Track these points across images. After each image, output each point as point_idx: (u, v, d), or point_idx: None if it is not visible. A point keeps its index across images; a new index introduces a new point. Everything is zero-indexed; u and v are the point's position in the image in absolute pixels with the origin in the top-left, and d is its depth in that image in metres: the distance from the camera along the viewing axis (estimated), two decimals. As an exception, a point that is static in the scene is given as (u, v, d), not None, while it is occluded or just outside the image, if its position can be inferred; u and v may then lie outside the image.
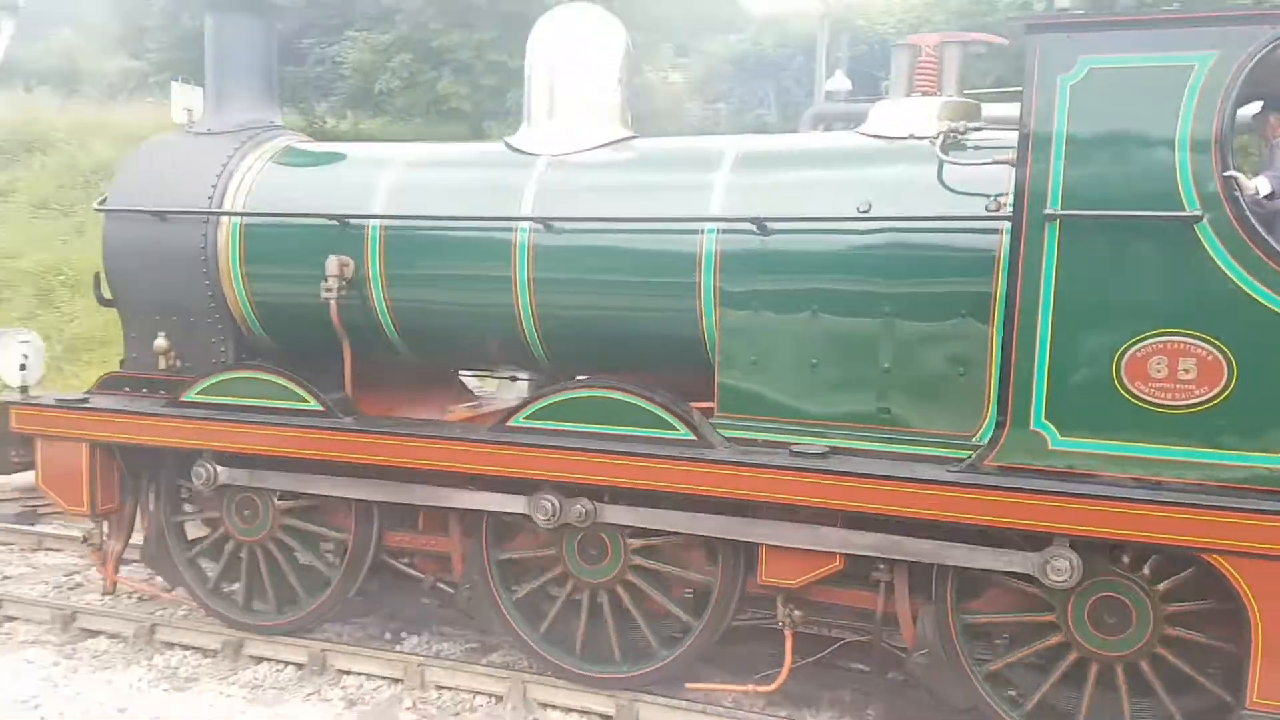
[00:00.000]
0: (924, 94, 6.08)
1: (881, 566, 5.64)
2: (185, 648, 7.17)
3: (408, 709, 6.29)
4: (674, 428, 5.82)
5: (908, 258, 5.54)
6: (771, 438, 5.75)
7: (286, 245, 6.79)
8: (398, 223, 6.50)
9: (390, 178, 6.69)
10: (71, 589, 8.30)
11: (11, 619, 7.73)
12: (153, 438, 6.80)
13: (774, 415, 5.79)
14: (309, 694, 6.51)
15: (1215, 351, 4.84)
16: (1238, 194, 4.81)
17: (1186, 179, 4.84)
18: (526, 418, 6.07)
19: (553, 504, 5.97)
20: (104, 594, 7.66)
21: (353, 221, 6.53)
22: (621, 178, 6.40)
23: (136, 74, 30.33)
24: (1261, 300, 4.78)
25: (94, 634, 7.45)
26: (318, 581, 6.92)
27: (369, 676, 6.63)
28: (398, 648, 7.04)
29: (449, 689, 6.45)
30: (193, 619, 7.40)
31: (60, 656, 7.18)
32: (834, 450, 5.59)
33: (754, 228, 5.73)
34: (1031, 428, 5.12)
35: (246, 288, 6.90)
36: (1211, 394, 4.86)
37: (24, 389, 7.00)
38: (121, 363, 7.35)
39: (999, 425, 5.18)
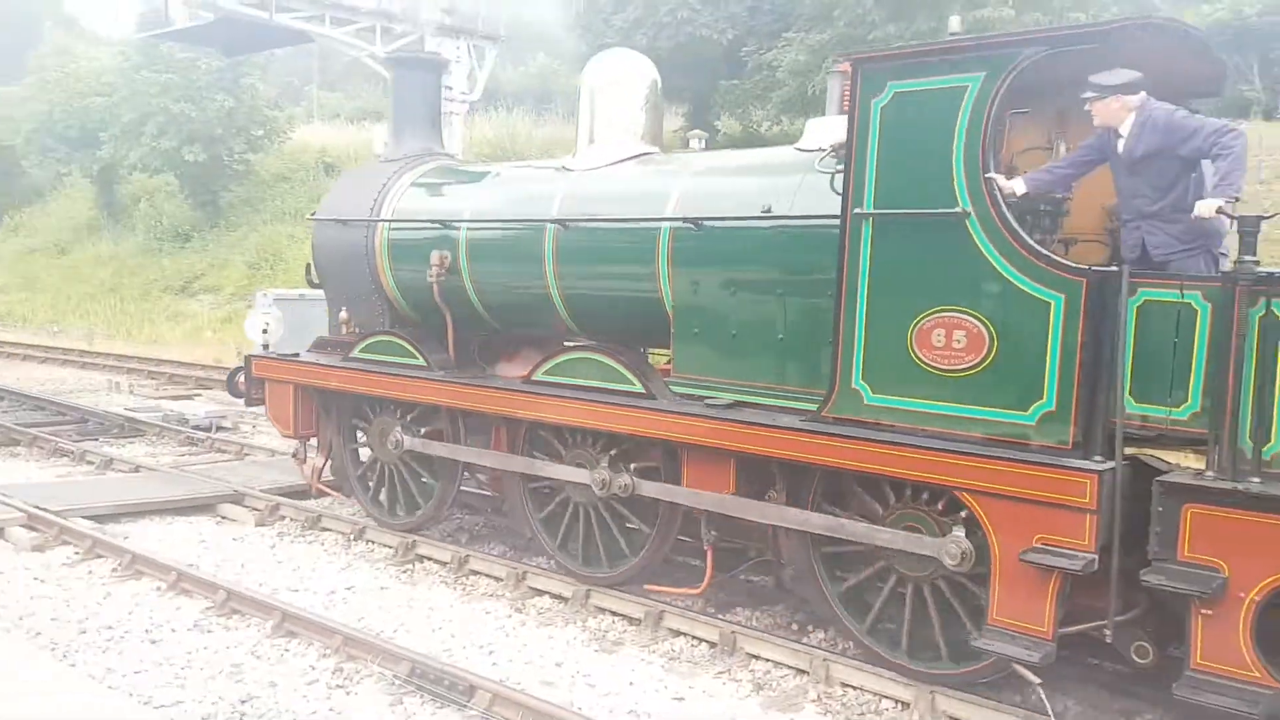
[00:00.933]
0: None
1: (770, 496, 6.97)
2: (614, 614, 7.78)
3: (812, 701, 6.42)
4: (632, 382, 7.51)
5: (792, 248, 6.85)
6: (705, 393, 7.26)
7: (413, 243, 9.19)
8: (474, 225, 8.68)
9: (479, 191, 8.89)
10: (523, 551, 9.27)
11: (475, 573, 8.76)
12: (324, 382, 9.58)
13: (709, 375, 7.30)
14: (719, 672, 6.83)
15: (980, 325, 5.85)
16: (997, 193, 5.78)
17: (960, 181, 5.87)
18: (543, 373, 8.03)
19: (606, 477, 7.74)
20: (312, 496, 10.41)
21: (450, 225, 8.80)
22: (622, 186, 8.11)
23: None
24: (1015, 282, 5.74)
25: (540, 593, 8.29)
26: (428, 494, 9.28)
27: (776, 664, 6.84)
28: (804, 640, 7.21)
29: (854, 688, 6.51)
30: (620, 591, 8.00)
31: (512, 610, 8.02)
32: (739, 403, 7.03)
33: (693, 226, 7.26)
34: (852, 386, 6.32)
35: (393, 275, 9.42)
36: (977, 360, 5.87)
37: (265, 347, 9.86)
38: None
39: (831, 384, 6.42)
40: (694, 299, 7.34)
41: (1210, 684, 5.24)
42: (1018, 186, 6.00)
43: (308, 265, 10.20)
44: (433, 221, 9.00)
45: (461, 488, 9.24)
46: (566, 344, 9.16)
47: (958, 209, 5.85)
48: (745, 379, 7.11)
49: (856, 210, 6.22)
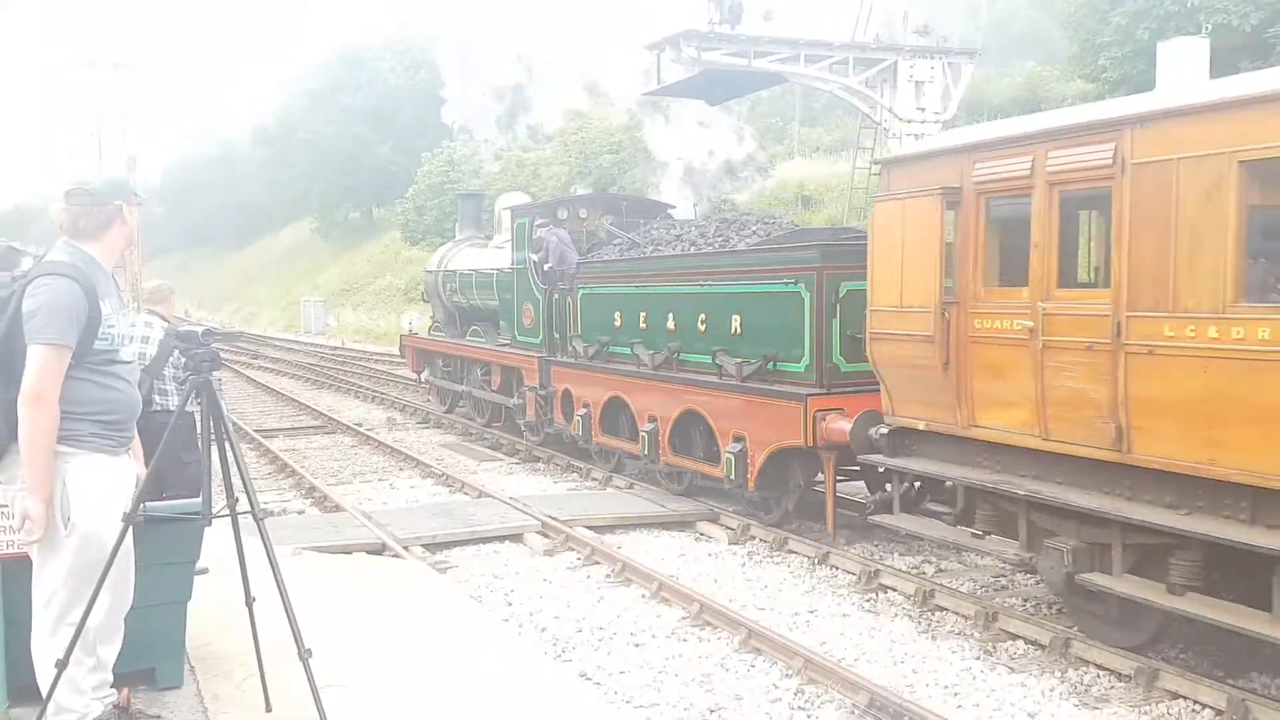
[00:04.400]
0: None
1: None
2: (1099, 667, 7.22)
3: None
4: (483, 339, 18.93)
5: (509, 280, 17.41)
6: (526, 343, 16.67)
7: (449, 281, 20.50)
8: (461, 272, 19.97)
9: (470, 254, 19.94)
10: (997, 590, 8.97)
11: (941, 609, 8.53)
12: (418, 346, 22.14)
13: (514, 334, 17.06)
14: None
15: (533, 308, 16.13)
16: (532, 262, 16.05)
17: (528, 255, 16.18)
18: (468, 337, 19.86)
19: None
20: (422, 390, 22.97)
21: (457, 272, 20.22)
22: (500, 253, 18.44)
23: (1092, 95, 29.31)
24: (536, 291, 16.06)
25: (1013, 637, 7.87)
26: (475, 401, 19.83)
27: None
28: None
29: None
30: (1102, 643, 7.48)
31: (981, 652, 7.66)
32: (510, 344, 17.25)
33: (504, 270, 17.75)
34: (515, 334, 16.99)
35: (445, 296, 20.82)
36: (532, 322, 16.24)
37: (410, 332, 23.19)
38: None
39: (511, 332, 17.16)
40: (514, 303, 17.00)
41: (555, 430, 15.74)
42: (544, 263, 15.40)
43: (422, 291, 22.89)
44: (452, 271, 20.33)
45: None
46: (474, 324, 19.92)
47: (530, 271, 16.10)
48: (524, 336, 16.69)
49: (511, 266, 16.97)
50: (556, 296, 15.39)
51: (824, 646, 7.81)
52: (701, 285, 11.96)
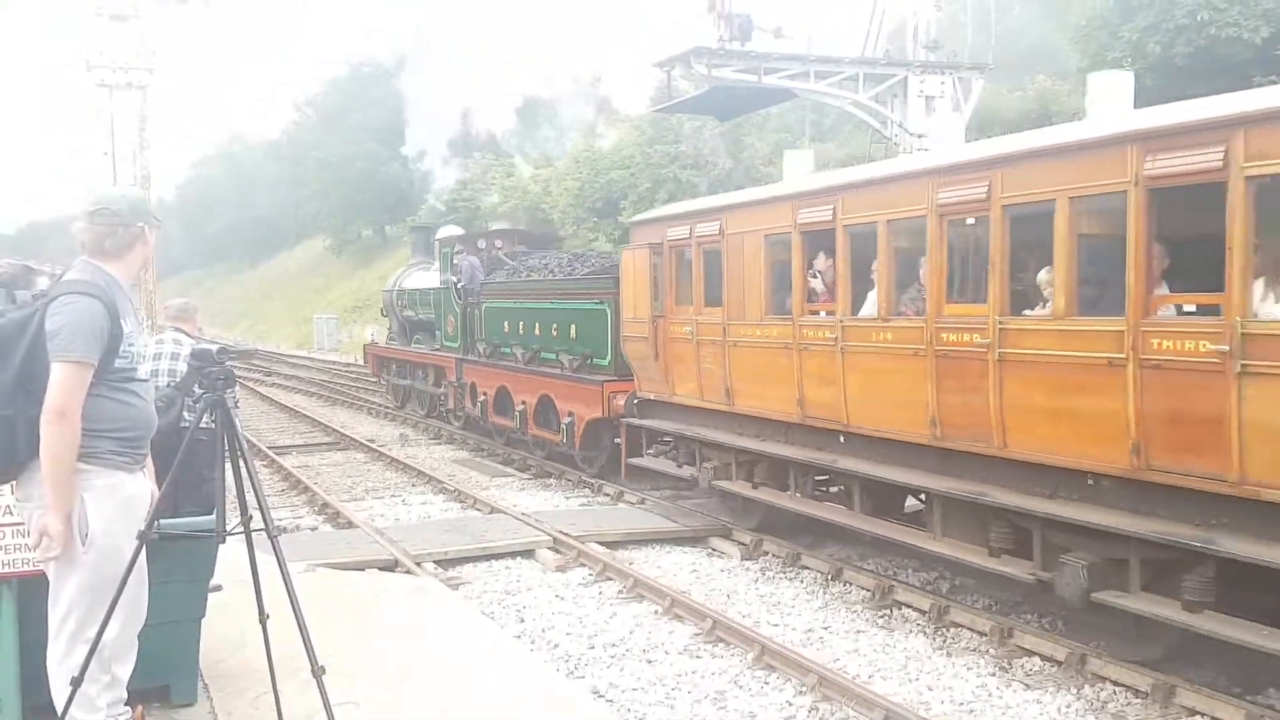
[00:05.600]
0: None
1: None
2: (1115, 684, 7.19)
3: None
4: (422, 344, 23.71)
5: (444, 296, 21.74)
6: (450, 347, 21.26)
7: (400, 298, 25.16)
8: (409, 290, 24.76)
9: (418, 275, 24.60)
10: (1012, 606, 8.95)
11: (956, 625, 8.55)
12: (378, 353, 26.63)
13: (444, 342, 21.76)
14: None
15: (455, 318, 20.65)
16: (452, 282, 20.59)
17: (450, 277, 21.29)
18: (412, 345, 24.52)
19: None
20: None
21: (407, 290, 24.77)
22: (434, 274, 23.46)
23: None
24: (455, 304, 20.61)
25: (1028, 654, 7.84)
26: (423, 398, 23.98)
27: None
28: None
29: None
30: (1120, 656, 7.51)
31: (996, 668, 7.62)
32: (440, 348, 21.87)
33: (437, 289, 22.64)
34: (444, 341, 21.52)
35: (398, 311, 25.29)
36: (454, 330, 20.78)
37: (372, 342, 28.59)
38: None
39: (441, 340, 21.93)
40: (442, 315, 21.40)
41: (466, 415, 20.58)
42: (457, 282, 19.91)
43: (381, 308, 27.54)
44: (403, 289, 24.73)
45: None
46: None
47: (451, 289, 20.72)
48: (448, 341, 21.06)
49: (440, 286, 21.57)
50: (468, 309, 20.14)
51: (837, 663, 7.78)
52: (552, 303, 16.86)
